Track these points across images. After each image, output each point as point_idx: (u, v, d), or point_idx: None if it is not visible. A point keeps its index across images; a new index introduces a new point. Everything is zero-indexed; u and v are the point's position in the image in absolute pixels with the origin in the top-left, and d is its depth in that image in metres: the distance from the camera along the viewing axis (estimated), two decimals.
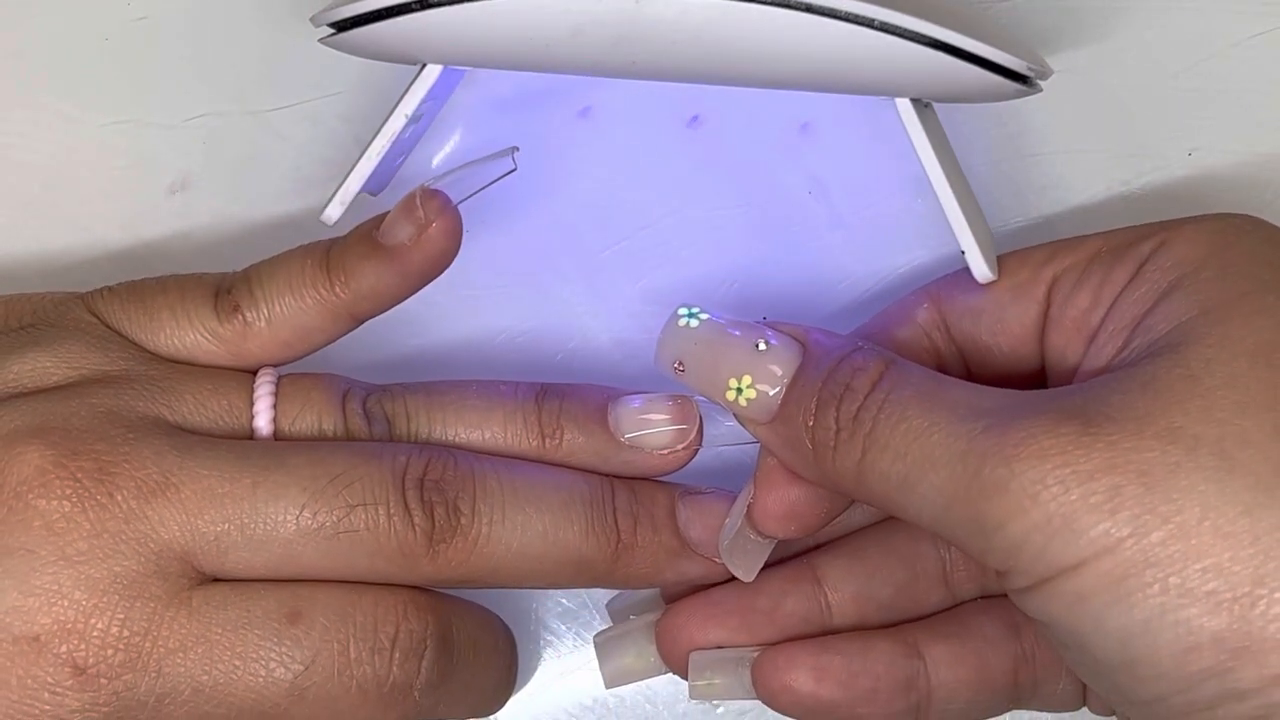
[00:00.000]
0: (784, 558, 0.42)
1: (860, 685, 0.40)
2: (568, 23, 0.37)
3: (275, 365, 0.41)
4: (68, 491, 0.36)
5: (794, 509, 0.39)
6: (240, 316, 0.40)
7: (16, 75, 0.45)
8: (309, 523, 0.37)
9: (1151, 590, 0.31)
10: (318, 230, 0.41)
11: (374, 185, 0.42)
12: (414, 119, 0.41)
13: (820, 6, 0.36)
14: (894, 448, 0.35)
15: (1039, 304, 0.39)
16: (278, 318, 0.40)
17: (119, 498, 0.37)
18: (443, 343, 0.45)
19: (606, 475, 0.41)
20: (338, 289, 0.40)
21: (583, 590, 0.46)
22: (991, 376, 0.40)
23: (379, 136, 0.40)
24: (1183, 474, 0.32)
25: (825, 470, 0.36)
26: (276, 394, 0.40)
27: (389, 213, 0.40)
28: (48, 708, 0.36)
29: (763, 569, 0.41)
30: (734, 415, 0.38)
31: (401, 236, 0.39)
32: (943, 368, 0.40)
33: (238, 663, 0.37)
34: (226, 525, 0.37)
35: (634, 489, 0.41)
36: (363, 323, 0.41)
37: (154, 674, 0.36)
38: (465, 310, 0.45)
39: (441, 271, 0.40)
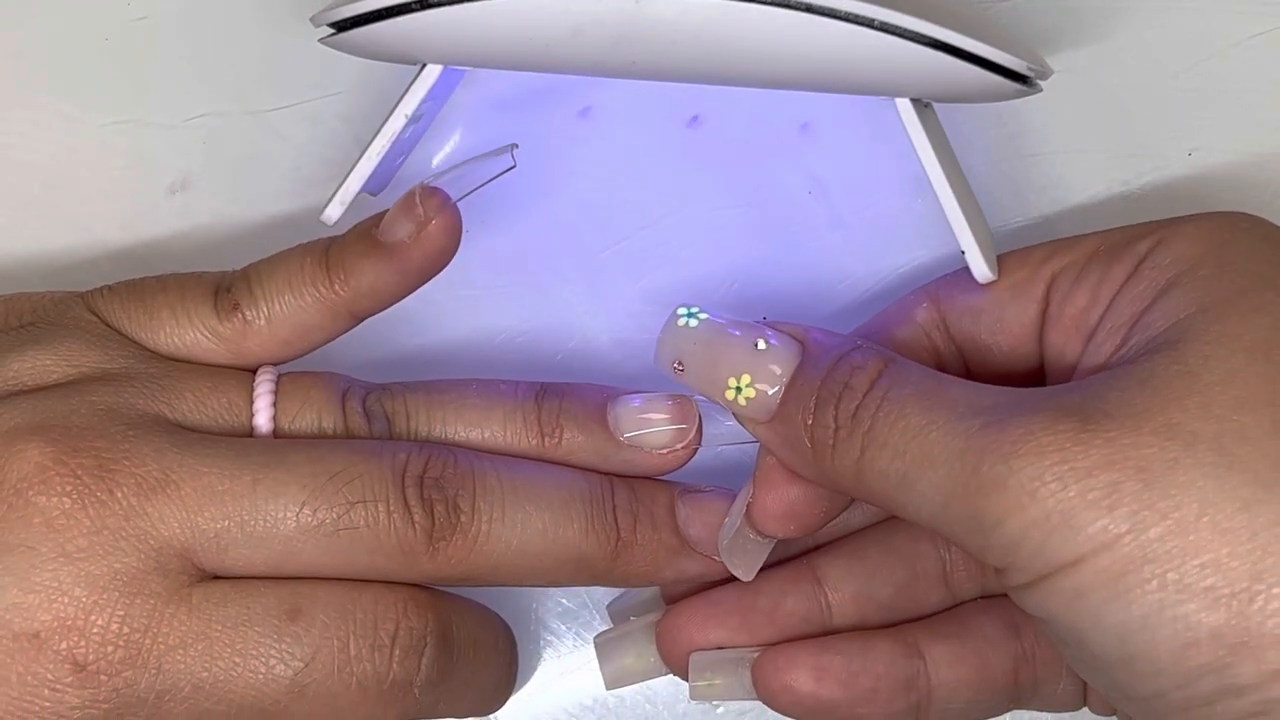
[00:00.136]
0: (784, 558, 0.42)
1: (860, 685, 0.40)
2: (568, 23, 0.37)
3: (275, 364, 0.41)
4: (68, 488, 0.36)
5: (793, 508, 0.39)
6: (240, 315, 0.40)
7: (16, 75, 0.45)
8: (309, 520, 0.37)
9: (1150, 586, 0.31)
10: (318, 230, 0.41)
11: (374, 185, 0.42)
12: (414, 119, 0.41)
13: (820, 6, 0.36)
14: (893, 445, 0.35)
15: (1038, 302, 0.39)
16: (277, 316, 0.40)
17: (119, 495, 0.37)
18: (442, 342, 0.45)
19: (606, 474, 0.41)
20: (337, 287, 0.40)
21: (583, 590, 0.46)
22: (990, 375, 0.40)
23: (379, 136, 0.40)
24: (1181, 470, 0.32)
25: (824, 468, 0.36)
26: (276, 392, 0.40)
27: (388, 210, 0.40)
28: (48, 704, 0.36)
29: (763, 569, 0.41)
30: (733, 414, 0.38)
31: (401, 234, 0.39)
32: (942, 367, 0.40)
33: (238, 659, 0.37)
34: (226, 522, 0.37)
35: (634, 487, 0.41)
36: (362, 321, 0.41)
37: (154, 671, 0.36)
38: (465, 310, 0.45)
39: (441, 269, 0.40)
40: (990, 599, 0.41)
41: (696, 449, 0.41)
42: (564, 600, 0.46)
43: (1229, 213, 0.38)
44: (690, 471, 0.41)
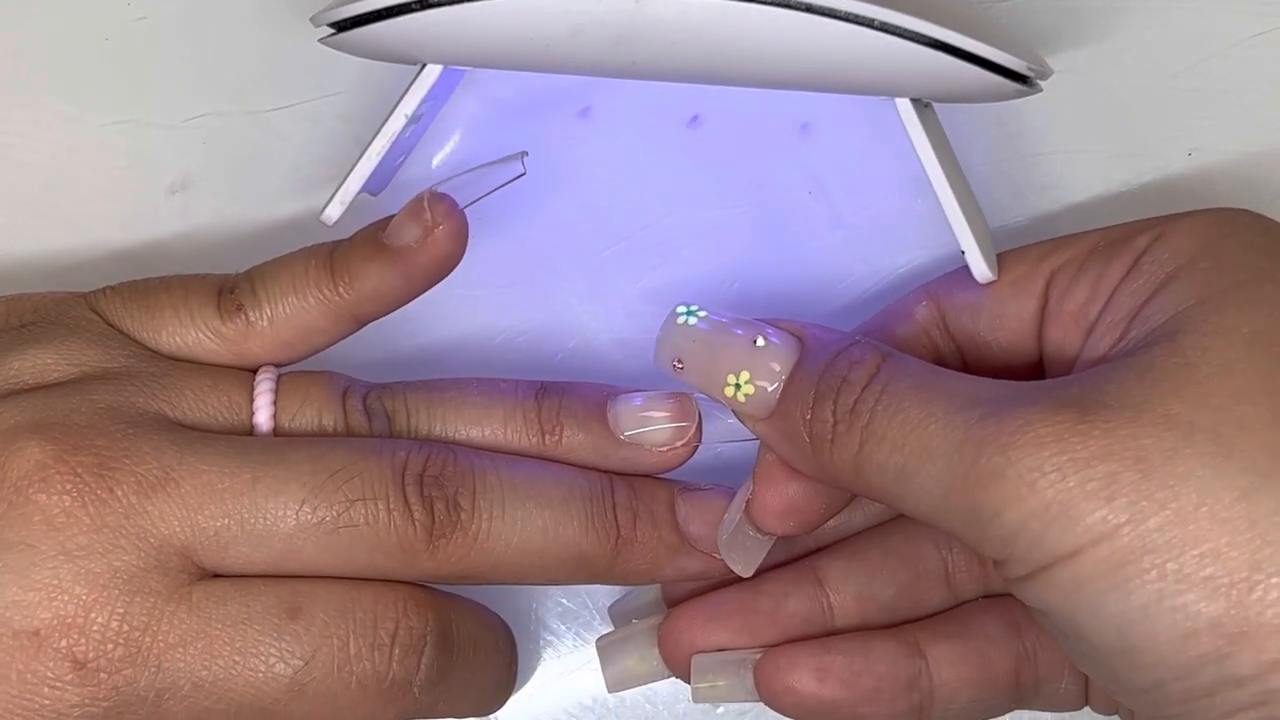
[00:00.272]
0: (785, 560, 0.42)
1: (863, 685, 0.40)
2: (568, 23, 0.37)
3: (277, 366, 0.41)
4: (68, 486, 0.36)
5: (792, 504, 0.39)
6: (243, 315, 0.40)
7: (16, 75, 0.45)
8: (309, 518, 0.37)
9: (1149, 576, 0.31)
10: (318, 230, 0.41)
11: (374, 185, 0.42)
12: (414, 119, 0.41)
13: (820, 6, 0.36)
14: (891, 439, 0.35)
15: (1037, 299, 0.39)
16: (280, 317, 0.40)
17: (119, 493, 0.37)
18: (443, 342, 0.45)
19: (606, 472, 0.41)
20: (341, 289, 0.40)
21: (582, 590, 0.46)
22: (989, 372, 0.39)
23: (379, 136, 0.41)
24: (1180, 460, 0.32)
25: (823, 464, 0.36)
26: (277, 390, 0.40)
27: (395, 215, 0.40)
28: (47, 702, 0.36)
29: (764, 571, 0.41)
30: (732, 411, 0.38)
31: (408, 238, 0.40)
32: (940, 364, 0.40)
33: (237, 658, 0.37)
34: (226, 520, 0.37)
35: (633, 485, 0.41)
36: (365, 325, 0.41)
37: (154, 669, 0.36)
38: (465, 310, 0.45)
39: (446, 275, 0.41)
40: (991, 598, 0.41)
41: (697, 446, 0.41)
42: (564, 600, 0.46)
43: (1226, 208, 0.38)
44: (690, 470, 0.41)
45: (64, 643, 0.36)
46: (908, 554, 0.42)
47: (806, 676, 0.40)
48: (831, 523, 0.42)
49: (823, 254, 0.45)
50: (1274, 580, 0.31)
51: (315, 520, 0.37)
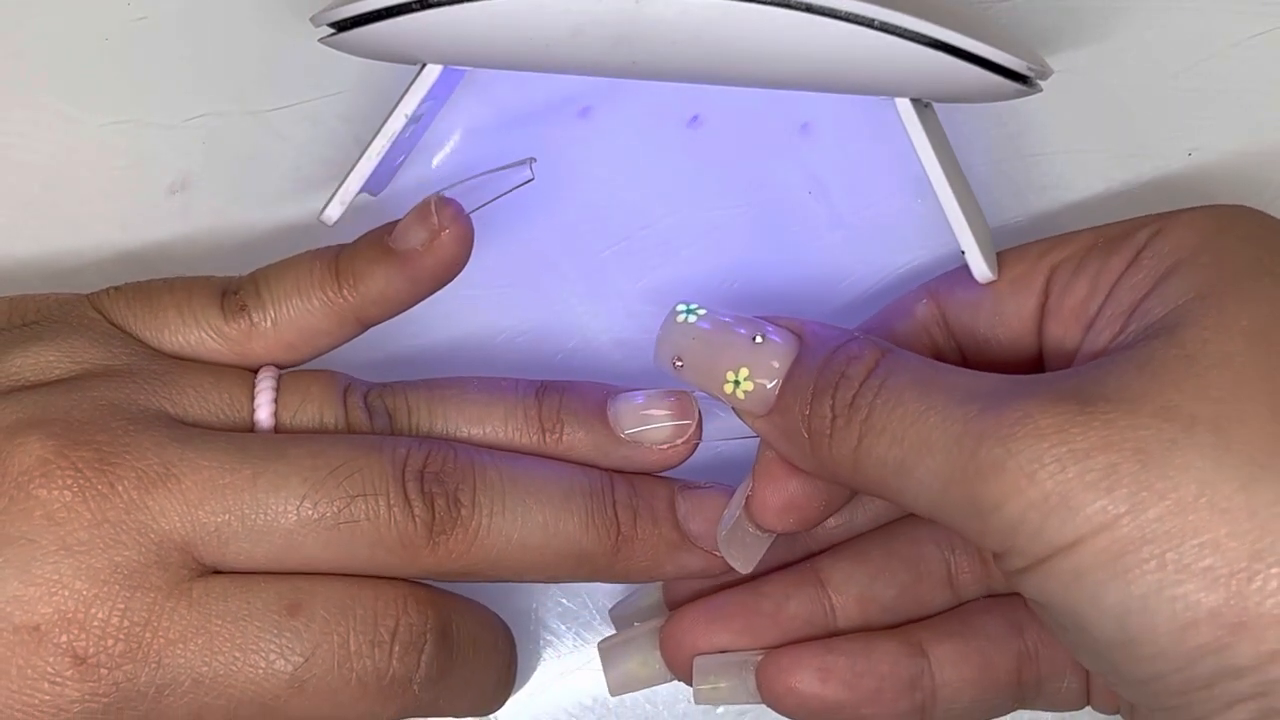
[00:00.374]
0: (787, 562, 0.42)
1: (865, 685, 0.40)
2: (568, 23, 0.37)
3: (279, 368, 0.41)
4: (69, 481, 0.36)
5: (792, 501, 0.39)
6: (246, 316, 0.40)
7: (16, 75, 0.45)
8: (309, 513, 0.37)
9: (1149, 566, 0.31)
10: (318, 230, 0.41)
11: (374, 185, 0.42)
12: (414, 119, 0.41)
13: (820, 6, 0.36)
14: (890, 432, 0.35)
15: (1037, 295, 0.39)
16: (284, 319, 0.40)
17: (120, 488, 0.37)
18: (443, 342, 0.45)
19: (606, 470, 0.41)
20: (346, 292, 0.40)
21: (582, 590, 0.45)
22: (989, 368, 0.39)
23: (379, 136, 0.41)
24: (1179, 451, 0.32)
25: (822, 459, 0.36)
26: (278, 388, 0.40)
27: (401, 219, 0.40)
28: (47, 698, 0.36)
29: (766, 572, 0.41)
30: (732, 409, 0.39)
31: (414, 242, 0.40)
32: (940, 361, 0.40)
33: (238, 654, 0.37)
34: (227, 516, 0.37)
35: (634, 483, 0.41)
36: (368, 328, 0.41)
37: (154, 665, 0.36)
38: (465, 310, 0.45)
39: (451, 279, 0.41)
40: (993, 598, 0.41)
41: (697, 444, 0.41)
42: (564, 600, 0.46)
43: (1226, 205, 0.38)
44: (690, 468, 0.41)
45: (64, 638, 0.36)
46: (910, 555, 0.42)
47: (809, 677, 0.40)
48: (833, 524, 0.42)
49: (823, 254, 0.45)
50: (1274, 570, 0.31)
51: (316, 516, 0.37)
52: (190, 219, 0.45)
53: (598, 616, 0.46)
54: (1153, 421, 0.32)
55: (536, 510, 0.39)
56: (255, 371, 0.40)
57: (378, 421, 0.40)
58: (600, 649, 0.43)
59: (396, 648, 0.38)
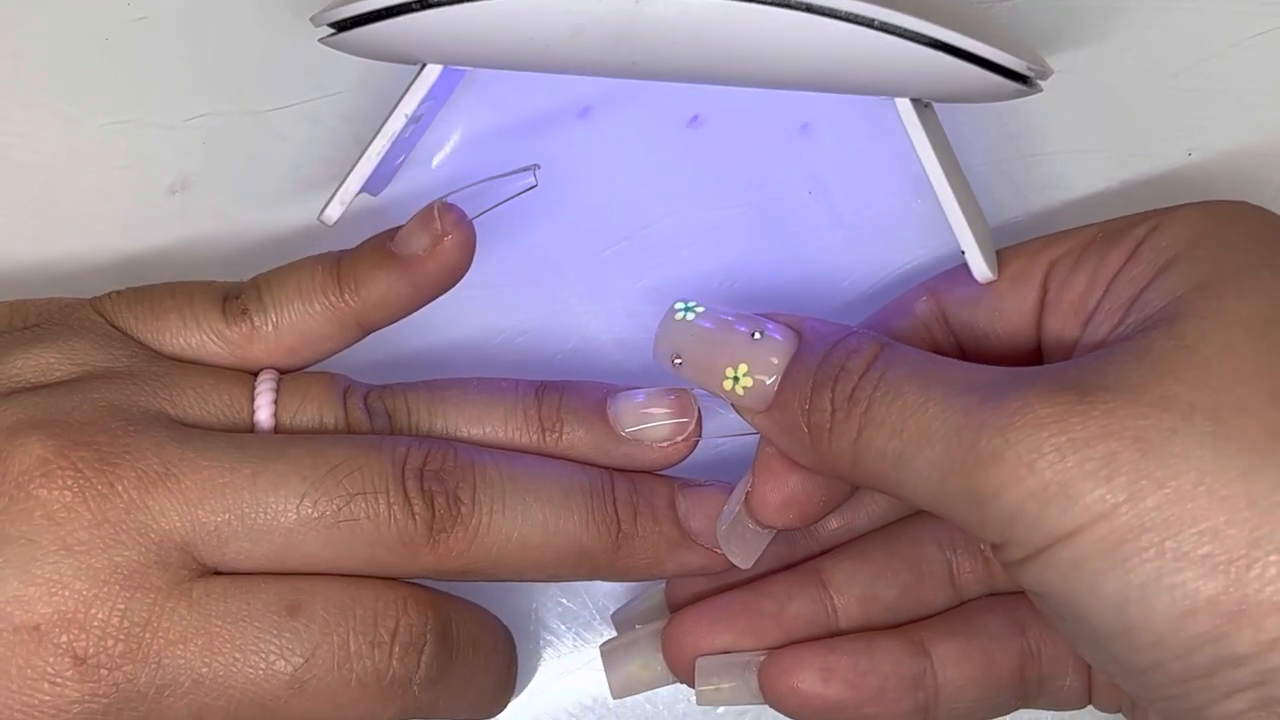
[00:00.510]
0: (789, 563, 0.42)
1: (867, 685, 0.40)
2: (568, 23, 0.37)
3: (279, 372, 0.41)
4: (69, 481, 0.36)
5: (792, 497, 0.39)
6: (248, 320, 0.40)
7: (16, 75, 0.45)
8: (309, 512, 0.37)
9: (1147, 555, 0.31)
10: (318, 230, 0.41)
11: (374, 185, 0.42)
12: (414, 119, 0.41)
13: (820, 6, 0.36)
14: (889, 424, 0.35)
15: (1036, 290, 0.39)
16: (285, 323, 0.40)
17: (120, 488, 0.37)
18: (443, 343, 0.45)
19: (606, 468, 0.41)
20: (347, 296, 0.40)
21: (583, 590, 0.45)
22: (989, 363, 0.39)
23: (379, 136, 0.41)
24: (1178, 440, 0.32)
25: (822, 453, 0.36)
26: (278, 390, 0.40)
27: (405, 224, 0.40)
28: (47, 698, 0.36)
29: (767, 573, 0.41)
30: (732, 405, 0.39)
31: (416, 247, 0.40)
32: None
33: (237, 655, 0.37)
34: (227, 515, 0.37)
35: (634, 480, 0.41)
36: (369, 333, 0.41)
37: (154, 665, 0.36)
38: (465, 310, 0.45)
39: (452, 285, 0.41)
40: (995, 597, 0.41)
41: (697, 442, 0.41)
42: (564, 600, 0.46)
43: (1224, 200, 0.38)
44: (689, 466, 0.41)
45: (64, 638, 0.36)
46: (912, 555, 0.42)
47: (811, 677, 0.40)
48: (835, 524, 0.42)
49: (823, 254, 0.45)
50: (1272, 558, 0.31)
51: (315, 514, 0.37)
52: (190, 219, 0.45)
53: (598, 616, 0.46)
54: (1152, 410, 0.32)
55: (537, 508, 0.39)
56: (255, 374, 0.40)
57: (377, 422, 0.40)
58: (602, 652, 0.43)
59: (396, 648, 0.38)
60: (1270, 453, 0.31)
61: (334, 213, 0.41)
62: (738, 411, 0.39)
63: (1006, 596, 0.41)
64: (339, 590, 0.38)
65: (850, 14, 0.36)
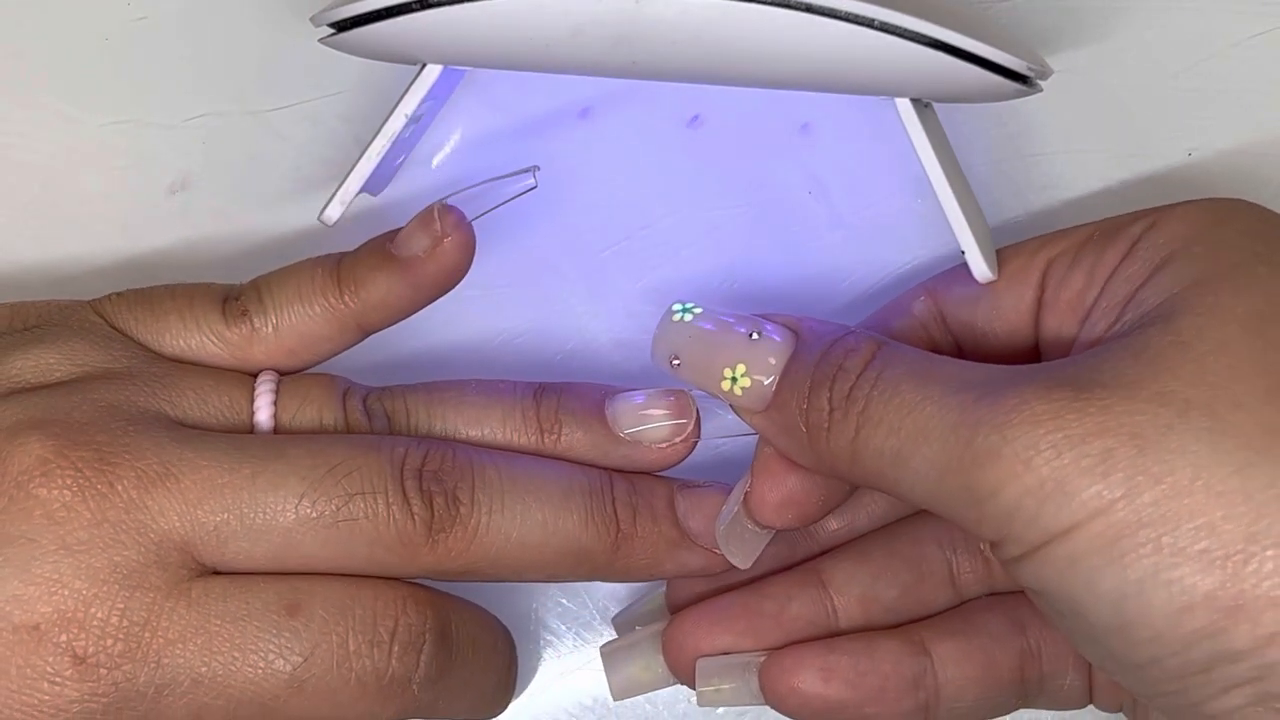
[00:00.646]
0: (789, 564, 0.42)
1: (868, 684, 0.40)
2: (568, 23, 0.37)
3: (279, 373, 0.41)
4: (68, 481, 0.36)
5: (790, 497, 0.39)
6: (248, 322, 0.40)
7: (16, 75, 0.45)
8: (308, 511, 0.37)
9: (1144, 550, 0.31)
10: (318, 231, 0.41)
11: (374, 185, 0.42)
12: (414, 119, 0.41)
13: (820, 6, 0.36)
14: (887, 423, 0.35)
15: (1033, 289, 0.39)
16: (285, 325, 0.40)
17: (119, 488, 0.37)
18: (443, 344, 0.45)
19: (605, 469, 0.41)
20: (347, 298, 0.40)
21: (582, 590, 0.46)
22: (987, 362, 0.40)
23: (379, 136, 0.41)
24: (1175, 435, 0.32)
25: (820, 453, 0.36)
26: (277, 391, 0.40)
27: (404, 226, 0.40)
28: (47, 697, 0.36)
29: (767, 574, 0.41)
30: (730, 406, 0.39)
31: (416, 249, 0.40)
32: None
33: (237, 654, 0.37)
34: (226, 515, 0.37)
35: (633, 481, 0.41)
36: (369, 335, 0.41)
37: (153, 664, 0.36)
38: (465, 311, 0.45)
39: (452, 286, 0.41)
40: (995, 596, 0.41)
41: (695, 443, 0.41)
42: (564, 600, 0.46)
43: (1221, 198, 0.38)
44: (689, 467, 0.41)
45: (64, 637, 0.36)
46: (911, 555, 0.42)
47: (811, 677, 0.40)
48: (835, 524, 0.42)
49: (823, 254, 0.45)
50: (1269, 553, 0.31)
51: (314, 514, 0.37)
52: (190, 219, 0.45)
53: (598, 617, 0.46)
54: (1148, 407, 0.32)
55: (536, 508, 0.39)
56: (255, 376, 0.40)
57: (377, 424, 0.40)
58: (603, 654, 0.43)
59: (395, 648, 0.38)
60: (1266, 448, 0.32)
61: (334, 213, 0.41)
62: (736, 412, 0.39)
63: (1006, 596, 0.41)
64: (338, 590, 0.38)
65: (850, 14, 0.36)
